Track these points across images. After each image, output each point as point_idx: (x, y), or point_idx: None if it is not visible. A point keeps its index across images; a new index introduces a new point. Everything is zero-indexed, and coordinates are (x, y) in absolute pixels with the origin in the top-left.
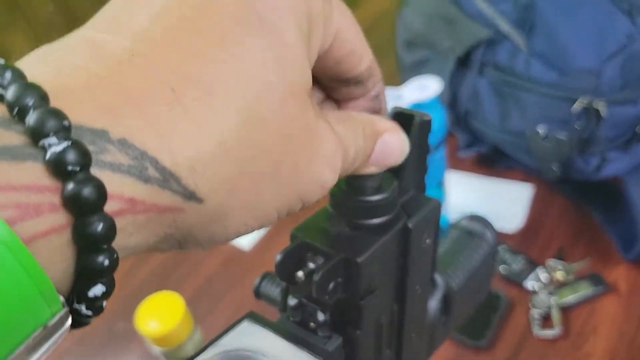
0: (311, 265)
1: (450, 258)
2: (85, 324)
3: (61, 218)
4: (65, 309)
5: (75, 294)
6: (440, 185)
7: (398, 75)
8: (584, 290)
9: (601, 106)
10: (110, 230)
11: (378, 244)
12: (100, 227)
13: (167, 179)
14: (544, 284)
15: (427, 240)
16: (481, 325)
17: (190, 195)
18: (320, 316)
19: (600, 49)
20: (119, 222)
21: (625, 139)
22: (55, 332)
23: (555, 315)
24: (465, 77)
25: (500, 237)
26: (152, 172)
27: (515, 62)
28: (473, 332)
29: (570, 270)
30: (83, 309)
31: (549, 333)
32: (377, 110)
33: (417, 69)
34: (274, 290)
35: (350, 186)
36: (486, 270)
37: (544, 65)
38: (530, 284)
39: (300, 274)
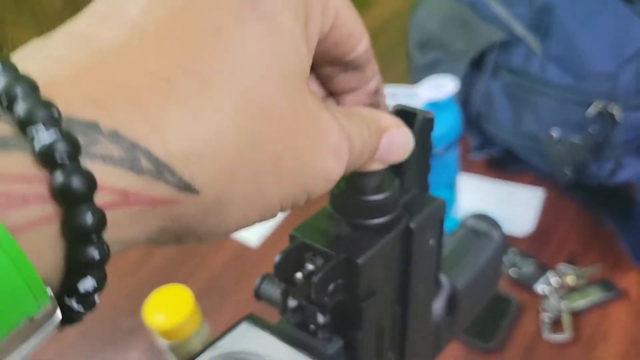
0: (310, 266)
1: (456, 258)
2: (78, 319)
3: (49, 209)
4: (52, 302)
5: (66, 288)
6: (451, 186)
7: (409, 76)
8: (595, 295)
9: (617, 110)
10: (101, 222)
11: (379, 244)
12: (89, 218)
13: (160, 170)
14: (555, 288)
15: (431, 241)
16: (491, 328)
17: (186, 187)
18: (320, 318)
19: (616, 53)
20: (112, 215)
21: (639, 143)
22: (43, 326)
23: (566, 320)
24: (478, 79)
25: (510, 241)
26: (144, 163)
27: (530, 65)
28: (482, 335)
29: (581, 275)
30: (74, 304)
31: (559, 337)
32: (377, 106)
33: (429, 70)
34: (274, 291)
35: (351, 185)
36: (493, 270)
37: (560, 68)
38: (540, 287)
39: (299, 275)
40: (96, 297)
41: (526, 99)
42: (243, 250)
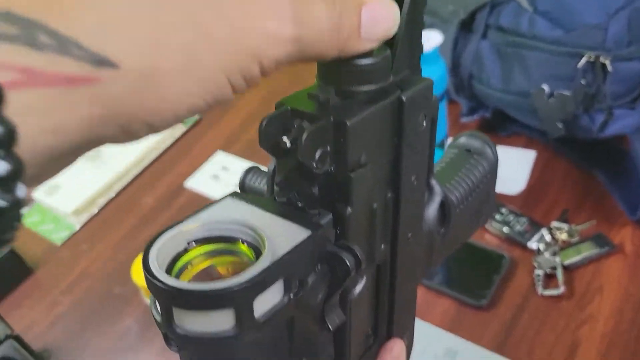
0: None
1: (449, 173)
2: (8, 228)
3: None
4: None
5: None
6: (441, 146)
7: None
8: (589, 250)
9: (607, 61)
10: None
11: (369, 110)
12: None
13: (63, 44)
14: (548, 244)
15: (424, 123)
16: (483, 285)
17: (101, 61)
18: (308, 189)
19: (606, 4)
20: (22, 97)
21: (632, 96)
22: None
23: (560, 275)
24: (468, 41)
25: (503, 199)
26: (44, 39)
27: (519, 22)
28: (475, 291)
29: (575, 231)
30: None
31: (553, 292)
32: None
33: None
34: (260, 182)
35: None
36: (486, 189)
37: (549, 22)
38: (534, 244)
39: (284, 138)
40: (18, 189)
41: (516, 55)
42: None
